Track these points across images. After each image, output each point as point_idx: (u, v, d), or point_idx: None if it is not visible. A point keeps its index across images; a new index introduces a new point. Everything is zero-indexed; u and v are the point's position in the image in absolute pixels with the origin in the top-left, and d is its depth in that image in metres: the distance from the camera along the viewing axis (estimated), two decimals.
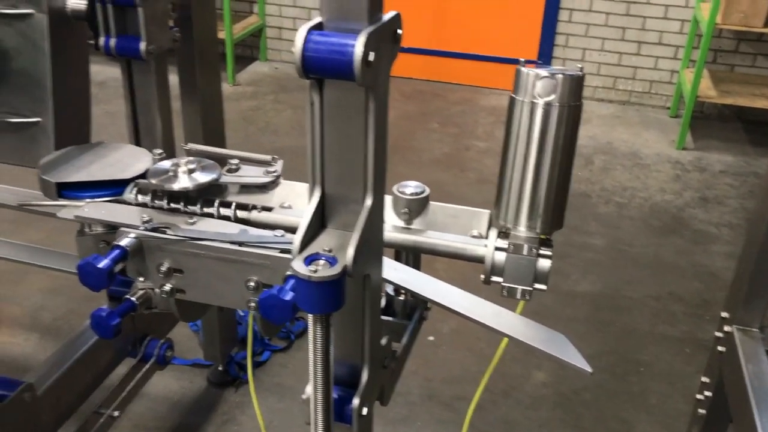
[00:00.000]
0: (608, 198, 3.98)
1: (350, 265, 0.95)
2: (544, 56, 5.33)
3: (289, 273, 1.23)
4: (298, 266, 0.97)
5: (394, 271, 1.30)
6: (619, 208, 3.88)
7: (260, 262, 1.28)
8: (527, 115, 1.22)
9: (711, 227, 3.73)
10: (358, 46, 0.85)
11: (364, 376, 1.13)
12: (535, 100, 1.20)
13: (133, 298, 1.47)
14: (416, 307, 1.49)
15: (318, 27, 0.91)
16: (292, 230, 1.38)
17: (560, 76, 1.17)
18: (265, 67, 5.91)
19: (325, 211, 1.05)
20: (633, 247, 3.52)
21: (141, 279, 1.51)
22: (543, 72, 1.18)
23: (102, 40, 1.72)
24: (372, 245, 1.05)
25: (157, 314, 1.50)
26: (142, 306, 1.51)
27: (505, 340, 1.44)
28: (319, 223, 1.05)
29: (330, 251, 0.99)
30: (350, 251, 0.96)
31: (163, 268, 1.33)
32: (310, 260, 0.98)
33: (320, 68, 0.89)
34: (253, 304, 1.32)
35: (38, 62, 1.73)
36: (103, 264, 1.23)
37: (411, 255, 1.46)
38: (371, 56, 0.86)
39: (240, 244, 1.31)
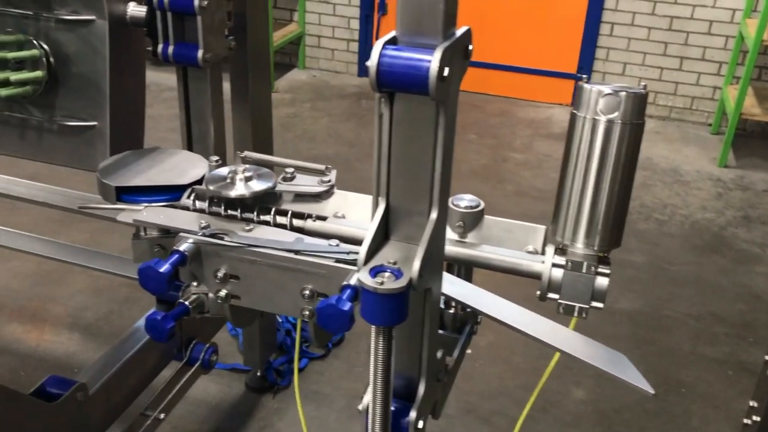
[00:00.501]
0: (648, 215, 3.94)
1: (416, 278, 0.95)
2: (584, 69, 5.30)
3: (346, 283, 1.24)
4: (364, 278, 0.97)
5: (450, 285, 1.30)
6: (659, 225, 3.84)
7: (316, 270, 1.29)
8: (588, 131, 1.22)
9: (754, 247, 3.67)
10: (434, 61, 0.86)
11: (421, 389, 1.13)
12: (597, 117, 1.20)
13: (186, 302, 1.49)
14: (467, 320, 1.49)
15: (392, 41, 0.92)
16: (347, 240, 1.40)
17: (623, 93, 1.17)
18: (303, 74, 5.95)
19: (389, 223, 1.06)
20: (673, 265, 3.47)
21: (194, 284, 1.53)
22: (606, 89, 1.18)
23: (160, 48, 1.75)
24: (435, 259, 1.05)
25: (203, 318, 1.52)
26: (195, 310, 1.52)
27: (556, 356, 1.43)
28: (382, 234, 1.06)
29: (395, 263, 1.00)
30: (416, 265, 0.96)
31: (220, 274, 1.35)
32: (375, 272, 0.98)
33: (394, 82, 0.90)
34: (307, 312, 1.33)
35: (97, 67, 1.76)
36: (164, 269, 1.25)
37: (463, 268, 1.46)
38: (446, 71, 0.87)
39: (296, 252, 1.32)
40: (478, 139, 4.76)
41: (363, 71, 5.99)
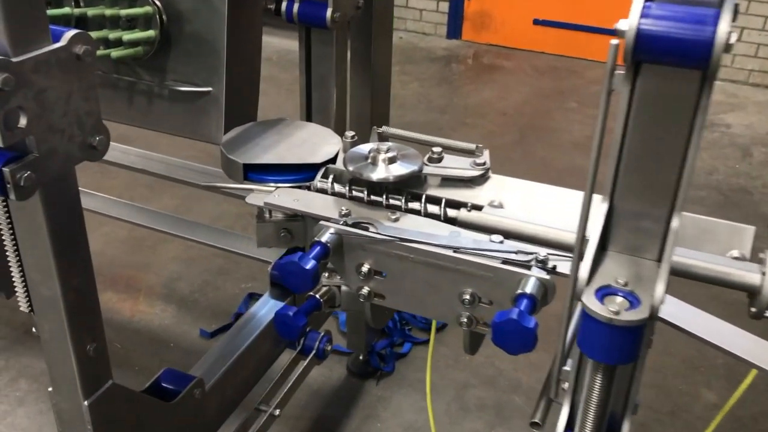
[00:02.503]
0: None
1: (658, 306, 0.75)
2: None
3: (521, 291, 1.05)
4: (591, 302, 0.77)
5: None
6: None
7: (480, 272, 1.10)
8: None
9: None
10: (723, 24, 0.64)
11: (625, 429, 0.94)
12: None
13: (317, 296, 1.33)
14: None
15: None
16: (510, 235, 1.20)
17: None
18: None
19: (609, 230, 0.85)
20: None
21: (325, 275, 1.36)
22: None
23: (284, 6, 1.57)
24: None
25: None
26: (326, 304, 1.36)
27: (753, 372, 1.22)
28: (600, 245, 0.85)
29: (625, 285, 0.79)
30: (659, 289, 0.76)
31: (364, 269, 1.18)
32: (602, 294, 0.78)
33: (659, 49, 0.68)
34: (465, 320, 1.15)
35: (214, 27, 1.59)
36: (309, 265, 1.08)
37: None
38: (733, 38, 0.65)
39: (455, 249, 1.13)
40: (579, 108, 4.46)
41: (453, 33, 5.71)
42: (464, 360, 2.47)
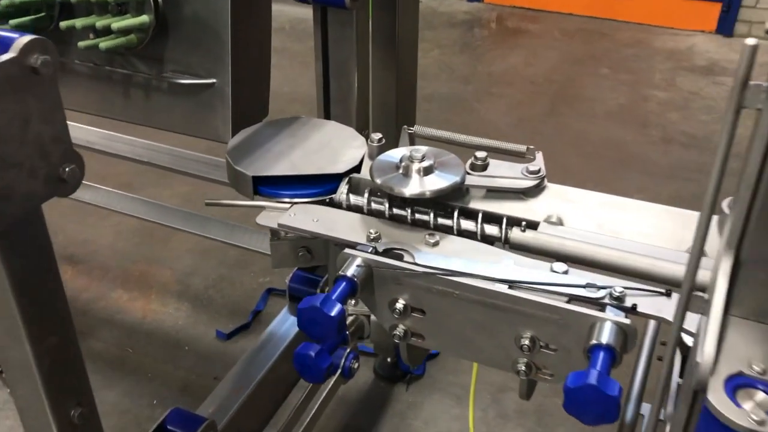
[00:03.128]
0: None
1: None
2: None
3: (595, 342, 0.85)
4: (723, 404, 0.57)
5: None
6: None
7: (542, 314, 0.90)
8: None
9: None
10: None
11: None
12: None
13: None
14: None
15: None
16: (574, 260, 1.00)
17: None
18: None
19: (734, 287, 0.65)
20: None
21: (352, 302, 1.18)
22: None
23: None
24: None
25: None
26: (354, 336, 1.18)
27: None
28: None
29: (764, 373, 0.59)
30: None
31: (399, 306, 0.98)
32: (734, 386, 0.59)
33: None
34: (523, 368, 0.95)
35: (217, 9, 1.38)
36: (335, 311, 0.89)
37: None
38: None
39: (510, 284, 0.93)
40: (611, 74, 4.19)
41: None
42: None
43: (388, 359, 2.22)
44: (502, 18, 5.17)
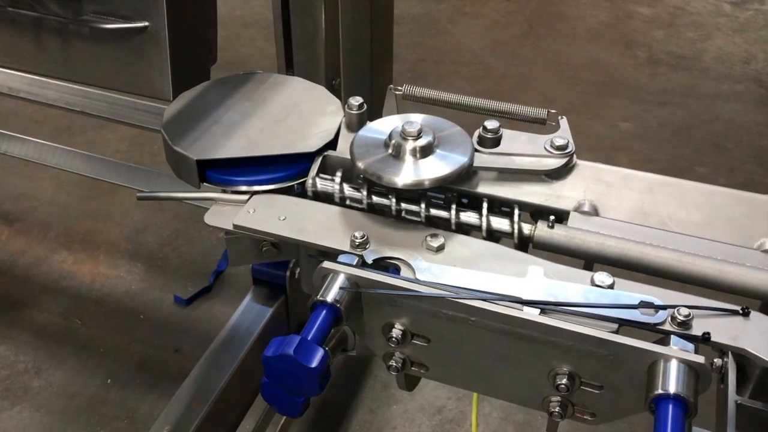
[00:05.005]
0: None
1: None
2: None
3: (662, 390, 0.65)
4: None
5: None
6: None
7: (584, 347, 0.70)
8: None
9: None
10: None
11: None
12: None
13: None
14: None
15: None
16: (622, 264, 0.79)
17: None
18: None
19: None
20: None
21: None
22: None
23: None
24: None
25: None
26: (336, 351, 0.96)
27: None
28: None
29: None
30: None
31: (396, 333, 0.77)
32: None
33: None
34: (557, 409, 0.75)
35: None
36: (316, 361, 0.67)
37: None
38: None
39: (541, 308, 0.72)
40: None
41: None
42: None
43: None
44: None
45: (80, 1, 1.17)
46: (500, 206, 0.85)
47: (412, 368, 0.80)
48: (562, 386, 0.71)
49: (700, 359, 0.66)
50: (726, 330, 0.69)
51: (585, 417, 0.75)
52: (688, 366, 0.66)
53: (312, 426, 1.83)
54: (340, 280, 0.74)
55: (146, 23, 1.16)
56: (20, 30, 1.24)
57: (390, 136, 0.83)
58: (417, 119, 0.84)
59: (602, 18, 3.65)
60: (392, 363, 0.79)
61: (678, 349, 0.67)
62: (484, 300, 0.71)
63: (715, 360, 0.73)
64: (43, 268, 2.25)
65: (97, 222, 2.43)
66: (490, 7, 3.78)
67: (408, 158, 0.81)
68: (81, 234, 2.38)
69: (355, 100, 0.89)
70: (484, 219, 0.82)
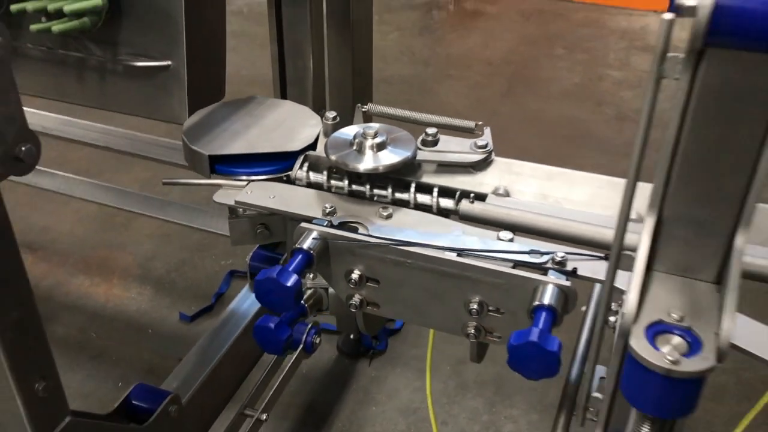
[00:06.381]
0: None
1: (726, 349, 0.61)
2: None
3: (538, 303, 0.91)
4: (643, 348, 0.63)
5: None
6: None
7: (489, 279, 0.95)
8: None
9: None
10: None
11: None
12: None
13: (302, 301, 1.18)
14: None
15: None
16: (519, 228, 1.05)
17: None
18: None
19: (656, 245, 0.70)
20: None
21: (310, 276, 1.21)
22: None
23: None
24: None
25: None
26: (312, 309, 1.22)
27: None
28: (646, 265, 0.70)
29: (681, 319, 0.65)
30: (727, 326, 0.61)
31: (354, 276, 1.02)
32: (653, 333, 0.64)
33: (743, 30, 0.52)
34: (472, 331, 1.00)
35: None
36: (291, 282, 0.92)
37: None
38: None
39: (459, 252, 0.98)
40: (567, 54, 4.26)
41: None
42: None
43: (351, 336, 2.27)
44: (460, 0, 5.20)
45: (116, 44, 1.47)
46: (440, 191, 1.12)
47: (368, 307, 1.05)
48: (474, 311, 0.96)
49: (568, 284, 0.91)
50: (591, 269, 0.95)
51: (493, 339, 1.00)
52: (560, 289, 0.91)
53: (301, 423, 2.05)
54: (313, 234, 1.00)
55: (169, 62, 1.46)
56: (67, 68, 1.54)
57: (354, 137, 1.11)
58: (375, 126, 1.13)
59: (575, 80, 4.00)
60: (353, 302, 1.05)
61: (553, 278, 0.93)
62: (417, 245, 0.97)
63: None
64: (63, 289, 2.50)
65: (111, 251, 2.70)
66: (473, 71, 4.14)
67: (368, 152, 1.09)
68: (97, 261, 2.65)
69: (330, 114, 1.18)
70: (434, 199, 1.09)
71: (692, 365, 0.60)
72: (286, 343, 1.11)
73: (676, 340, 0.62)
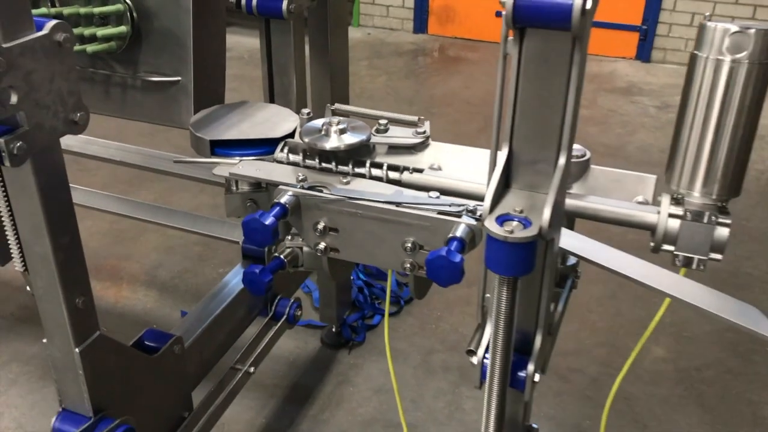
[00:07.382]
0: None
1: (546, 227, 0.92)
2: (650, 21, 5.11)
3: (452, 235, 1.21)
4: (491, 226, 0.94)
5: (565, 237, 1.26)
6: None
7: (418, 223, 1.26)
8: (711, 73, 1.15)
9: None
10: None
11: (538, 342, 1.10)
12: (721, 57, 1.13)
13: (281, 256, 1.49)
14: (567, 275, 1.45)
15: None
16: (446, 192, 1.36)
17: (753, 30, 1.10)
18: (358, 32, 5.88)
19: (511, 171, 1.02)
20: (750, 222, 3.36)
21: (289, 237, 1.52)
22: (733, 27, 1.11)
23: (244, 0, 1.73)
24: (559, 208, 1.01)
25: (286, 274, 1.51)
26: (290, 264, 1.52)
27: (660, 312, 1.39)
28: (504, 182, 1.02)
29: (521, 212, 0.96)
30: (546, 213, 0.92)
31: (320, 227, 1.33)
32: (502, 220, 0.95)
33: (532, 16, 0.85)
34: (408, 265, 1.31)
35: (181, 22, 1.74)
36: (269, 221, 1.24)
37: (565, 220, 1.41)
38: (589, 3, 0.82)
39: (397, 204, 1.29)
40: None
41: (419, 28, 5.89)
42: (430, 328, 2.64)
43: (333, 329, 2.56)
44: (444, 48, 5.63)
45: (136, 63, 1.81)
46: (389, 166, 1.44)
47: (331, 252, 1.36)
48: (408, 248, 1.27)
49: (475, 222, 1.22)
50: None
51: (423, 273, 1.31)
52: (470, 228, 1.22)
53: (287, 400, 2.32)
54: (289, 192, 1.32)
55: (179, 78, 1.80)
56: (95, 84, 1.88)
57: (322, 125, 1.43)
58: (339, 118, 1.45)
59: None
60: (319, 248, 1.35)
61: (466, 219, 1.24)
62: (367, 200, 1.29)
63: None
64: None
65: (120, 261, 3.01)
66: (453, 108, 4.52)
67: (333, 135, 1.41)
68: (108, 269, 2.95)
69: (305, 110, 1.51)
70: (384, 172, 1.41)
71: (521, 233, 0.91)
72: (267, 285, 1.41)
73: (515, 223, 0.93)
